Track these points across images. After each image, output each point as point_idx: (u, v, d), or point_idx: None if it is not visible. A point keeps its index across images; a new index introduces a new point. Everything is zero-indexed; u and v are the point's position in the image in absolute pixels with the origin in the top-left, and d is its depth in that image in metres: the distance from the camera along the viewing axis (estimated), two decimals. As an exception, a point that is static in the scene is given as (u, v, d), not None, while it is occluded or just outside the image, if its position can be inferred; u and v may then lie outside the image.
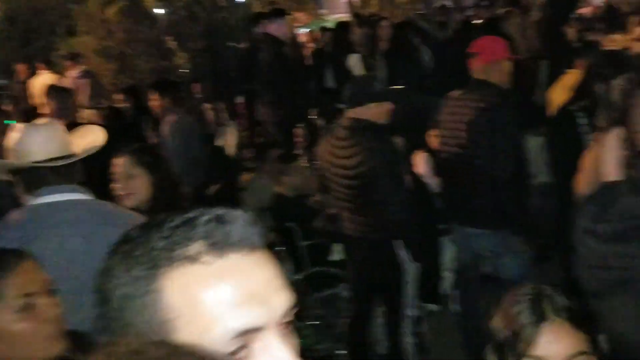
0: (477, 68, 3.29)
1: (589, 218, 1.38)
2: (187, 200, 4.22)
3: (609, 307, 1.36)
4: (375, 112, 3.06)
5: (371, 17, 9.18)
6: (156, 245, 0.69)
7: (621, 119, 1.48)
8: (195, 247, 0.69)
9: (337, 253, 3.85)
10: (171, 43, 7.09)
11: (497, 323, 1.20)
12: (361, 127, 3.03)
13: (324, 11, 17.44)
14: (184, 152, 4.53)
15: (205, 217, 0.71)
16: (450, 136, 3.32)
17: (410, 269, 3.05)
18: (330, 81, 6.09)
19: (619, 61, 3.16)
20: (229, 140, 6.56)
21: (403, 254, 3.04)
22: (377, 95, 3.09)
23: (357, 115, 3.06)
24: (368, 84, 3.15)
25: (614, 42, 5.59)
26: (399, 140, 3.58)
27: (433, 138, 4.71)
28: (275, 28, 5.31)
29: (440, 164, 3.46)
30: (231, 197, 5.06)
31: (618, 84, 2.87)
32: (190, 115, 5.14)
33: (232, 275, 0.70)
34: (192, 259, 0.68)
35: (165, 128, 4.56)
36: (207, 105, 6.97)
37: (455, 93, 3.39)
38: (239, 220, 0.72)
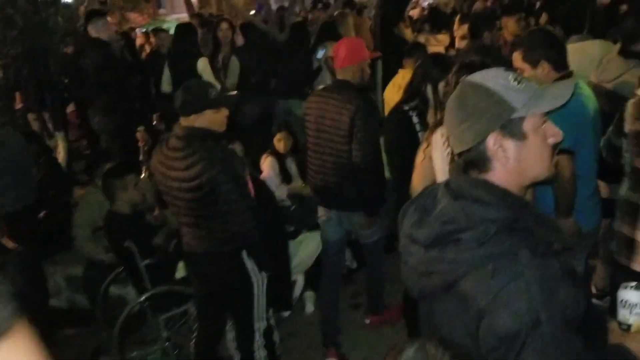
0: (338, 69, 3.47)
1: (410, 223, 1.36)
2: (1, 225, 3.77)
3: (434, 311, 1.37)
4: (212, 119, 2.90)
5: (211, 18, 8.97)
6: None
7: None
8: None
9: (181, 270, 3.65)
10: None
11: None
12: (197, 136, 2.85)
13: (162, 11, 16.83)
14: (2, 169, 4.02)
15: None
16: (315, 129, 3.50)
17: (258, 280, 2.95)
18: (166, 85, 5.79)
19: (444, 63, 3.32)
20: (58, 152, 6.00)
21: (250, 265, 2.92)
22: (213, 101, 2.92)
23: (191, 124, 2.87)
24: (202, 89, 2.97)
25: (439, 41, 5.98)
26: (238, 147, 3.47)
27: (279, 142, 4.68)
28: (96, 30, 4.92)
29: (309, 155, 3.65)
30: (63, 218, 4.62)
31: (443, 85, 3.02)
32: (11, 127, 4.59)
33: None
34: None
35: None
36: (31, 116, 6.30)
37: (319, 90, 3.60)
38: None
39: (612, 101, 3.10)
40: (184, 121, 2.89)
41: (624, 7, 4.89)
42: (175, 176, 2.87)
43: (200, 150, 2.81)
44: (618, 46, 3.60)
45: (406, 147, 3.32)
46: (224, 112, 2.94)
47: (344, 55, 3.42)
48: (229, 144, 3.09)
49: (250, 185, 3.00)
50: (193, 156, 2.81)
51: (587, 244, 2.84)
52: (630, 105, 2.63)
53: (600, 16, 4.77)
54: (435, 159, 2.78)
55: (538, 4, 9.21)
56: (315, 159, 3.57)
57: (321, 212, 3.70)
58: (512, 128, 1.29)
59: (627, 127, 2.63)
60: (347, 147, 3.34)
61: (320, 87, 3.73)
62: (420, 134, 3.39)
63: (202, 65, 5.53)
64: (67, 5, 8.36)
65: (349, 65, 3.40)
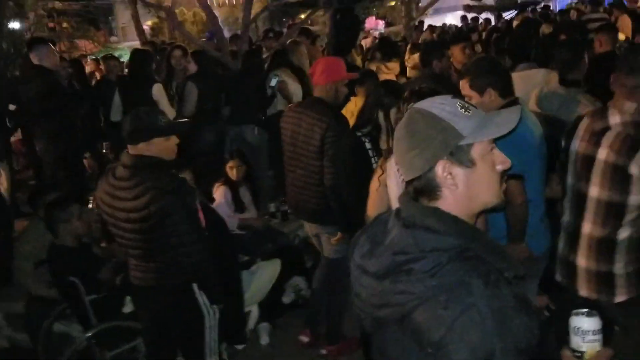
0: (315, 85, 3.62)
1: (361, 254, 1.33)
2: None
3: (387, 344, 1.32)
4: (161, 147, 2.82)
5: (164, 46, 8.88)
6: None
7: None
8: None
9: (129, 305, 3.50)
10: None
11: None
12: (145, 165, 2.76)
13: (114, 39, 16.62)
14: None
15: None
16: (289, 144, 3.62)
17: (210, 314, 2.85)
18: (116, 113, 5.66)
19: (395, 90, 3.35)
20: (1, 182, 5.75)
21: (201, 298, 2.83)
22: (162, 129, 2.84)
23: (140, 152, 2.78)
24: (151, 117, 2.89)
25: (390, 69, 6.07)
26: (189, 176, 3.39)
27: (231, 170, 4.61)
28: (39, 57, 4.79)
29: (285, 169, 3.76)
30: (3, 251, 4.40)
31: (395, 111, 3.04)
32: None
33: None
34: None
35: None
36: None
37: (294, 106, 3.74)
38: None
39: (554, 126, 3.19)
40: (132, 149, 2.80)
41: (563, 37, 5.08)
42: (122, 207, 2.77)
43: (148, 179, 2.72)
44: (556, 76, 3.73)
45: (359, 173, 3.32)
46: (174, 140, 2.87)
47: (320, 73, 3.52)
48: (179, 172, 3.00)
49: (201, 215, 2.92)
50: (141, 186, 2.72)
51: (539, 269, 2.87)
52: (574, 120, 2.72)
53: (542, 45, 4.94)
54: (390, 185, 2.78)
55: (484, 35, 9.53)
56: (290, 172, 3.66)
57: (311, 228, 3.78)
58: (460, 155, 1.29)
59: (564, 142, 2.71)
60: (319, 162, 3.45)
61: (296, 102, 3.96)
62: (373, 160, 3.41)
63: (158, 91, 5.45)
64: (12, 31, 8.15)
65: (325, 84, 3.50)
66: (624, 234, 2.39)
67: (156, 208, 2.68)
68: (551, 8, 13.70)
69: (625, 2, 9.16)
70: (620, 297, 2.43)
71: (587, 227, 2.48)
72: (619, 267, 2.40)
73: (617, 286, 2.42)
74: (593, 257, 2.46)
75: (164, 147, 2.81)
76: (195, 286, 2.80)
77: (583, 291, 2.51)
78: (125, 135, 2.83)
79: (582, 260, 2.50)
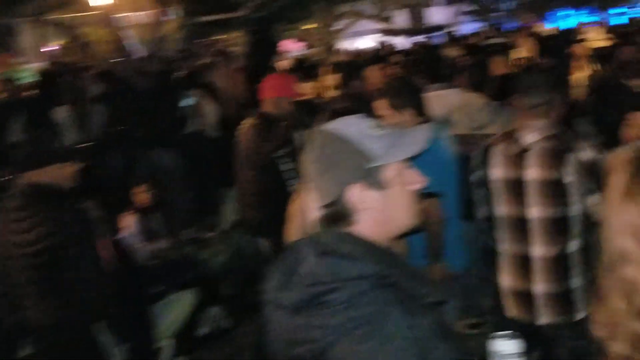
0: (263, 101, 3.73)
1: (274, 287, 1.22)
2: None
3: None
4: (57, 174, 2.63)
5: (73, 66, 8.48)
6: None
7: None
8: None
9: (26, 347, 3.19)
10: None
11: None
12: (40, 193, 2.55)
13: (18, 60, 15.73)
14: None
15: None
16: (243, 156, 3.73)
17: (114, 354, 2.64)
18: (16, 136, 5.29)
19: (314, 109, 3.32)
20: None
21: (104, 337, 2.61)
22: (59, 154, 2.66)
23: (34, 180, 2.57)
24: (47, 141, 2.70)
25: (308, 89, 6.06)
26: (91, 204, 3.15)
27: (140, 195, 4.36)
28: None
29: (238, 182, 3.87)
30: None
31: (312, 132, 2.97)
32: None
33: None
34: None
35: None
36: None
37: (248, 121, 3.82)
38: None
39: (469, 144, 3.22)
40: (26, 177, 2.60)
41: (469, 59, 5.29)
42: (15, 240, 2.54)
43: (43, 209, 2.53)
44: (473, 95, 3.82)
45: (276, 195, 3.24)
46: (73, 166, 2.69)
47: (264, 89, 3.72)
48: (78, 201, 2.79)
49: (107, 246, 2.72)
50: (35, 217, 2.52)
51: (459, 288, 2.86)
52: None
53: (450, 67, 5.12)
54: (308, 209, 2.68)
55: (397, 57, 9.81)
56: (240, 187, 3.82)
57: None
58: (372, 177, 1.22)
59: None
60: (253, 172, 3.60)
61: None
62: (292, 182, 3.33)
63: (62, 114, 5.18)
64: None
65: (266, 98, 3.67)
66: (573, 247, 2.37)
67: (51, 241, 2.48)
68: (457, 33, 14.38)
69: (521, 25, 9.76)
70: (581, 314, 2.37)
71: (538, 250, 2.39)
72: (576, 281, 2.37)
73: (577, 301, 2.38)
74: (552, 279, 2.37)
75: (60, 173, 2.65)
76: (98, 325, 2.59)
77: (543, 319, 2.41)
78: (19, 161, 2.64)
79: (540, 286, 2.40)
